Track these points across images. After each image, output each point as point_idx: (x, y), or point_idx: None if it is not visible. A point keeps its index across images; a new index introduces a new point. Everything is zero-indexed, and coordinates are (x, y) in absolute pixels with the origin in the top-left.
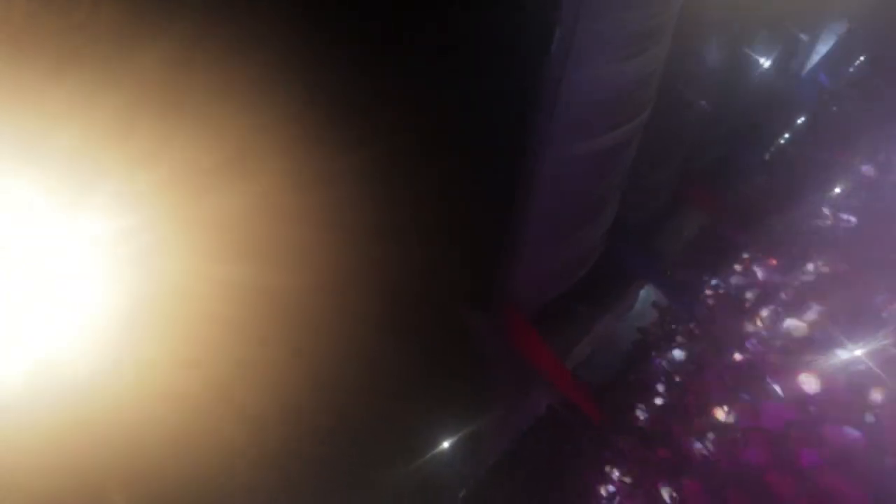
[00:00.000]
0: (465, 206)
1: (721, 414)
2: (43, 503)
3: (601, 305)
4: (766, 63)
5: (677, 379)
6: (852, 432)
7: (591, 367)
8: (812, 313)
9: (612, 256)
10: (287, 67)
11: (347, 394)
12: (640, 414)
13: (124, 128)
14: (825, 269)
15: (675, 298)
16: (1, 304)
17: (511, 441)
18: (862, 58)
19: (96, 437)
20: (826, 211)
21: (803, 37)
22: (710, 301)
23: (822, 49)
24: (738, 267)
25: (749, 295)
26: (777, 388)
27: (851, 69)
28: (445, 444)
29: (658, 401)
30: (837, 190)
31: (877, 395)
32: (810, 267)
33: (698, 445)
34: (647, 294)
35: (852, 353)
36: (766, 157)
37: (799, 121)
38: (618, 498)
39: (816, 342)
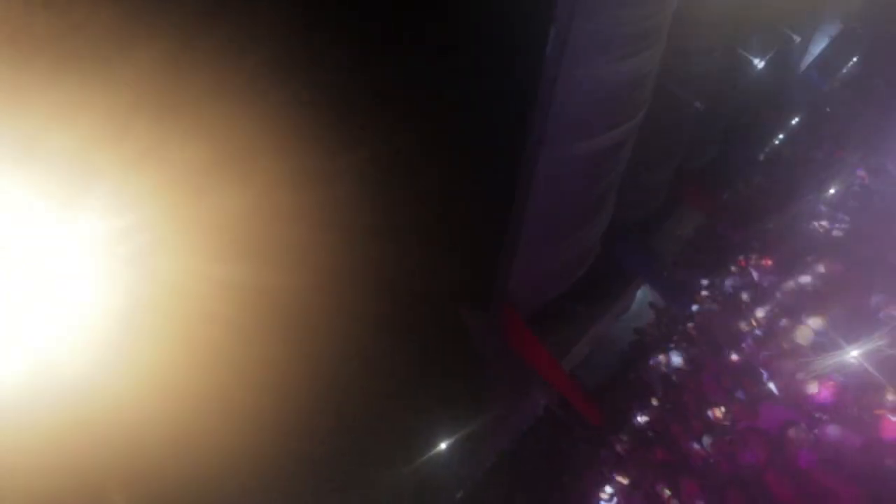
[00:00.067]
0: (462, 205)
1: (719, 414)
2: (43, 503)
3: (599, 305)
4: (760, 63)
5: (675, 380)
6: (850, 434)
7: (590, 367)
8: (809, 314)
9: (609, 256)
10: (285, 67)
11: (346, 394)
12: (639, 415)
13: (122, 128)
14: (822, 270)
15: (673, 299)
16: (1, 304)
17: (509, 441)
18: (855, 58)
19: (96, 437)
20: (822, 211)
21: (797, 37)
22: (707, 302)
23: (816, 49)
24: (734, 268)
25: (745, 296)
26: (773, 388)
27: (845, 69)
28: (443, 445)
29: (656, 401)
30: (833, 190)
31: (875, 397)
32: (807, 268)
33: (696, 446)
34: (643, 295)
35: (849, 355)
36: (762, 157)
37: (794, 121)
38: (616, 499)
39: (814, 343)
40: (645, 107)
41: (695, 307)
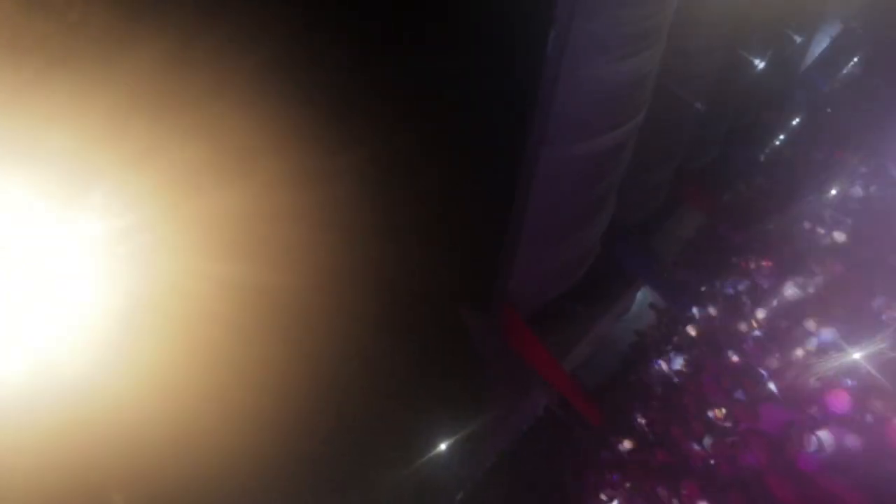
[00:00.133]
0: (462, 205)
1: (720, 416)
2: (43, 503)
3: (599, 306)
4: (761, 64)
5: (675, 381)
6: (851, 436)
7: (590, 367)
8: (810, 316)
9: (610, 257)
10: (285, 67)
11: (346, 394)
12: (639, 416)
13: (122, 127)
14: (823, 272)
15: (673, 299)
16: (1, 304)
17: (509, 441)
18: (856, 59)
19: (96, 437)
20: (823, 212)
21: (798, 38)
22: (708, 303)
23: (816, 50)
24: (734, 269)
25: (746, 297)
26: (773, 389)
27: (846, 70)
28: (443, 445)
29: (656, 403)
30: (833, 192)
31: (876, 399)
32: (808, 269)
33: (697, 447)
34: (644, 296)
35: (851, 357)
36: (762, 157)
37: (794, 121)
38: (616, 500)
39: (816, 346)
40: (645, 107)
41: (696, 312)
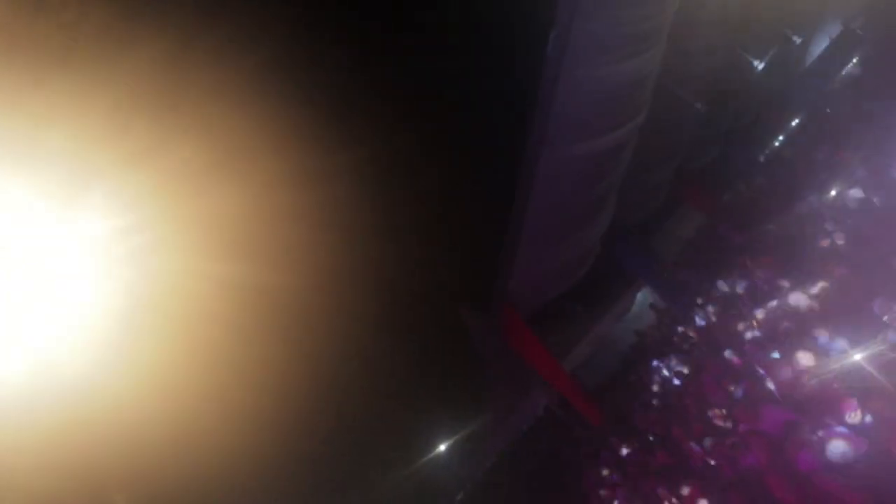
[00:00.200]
0: (462, 205)
1: (720, 417)
2: (43, 503)
3: (600, 306)
4: (761, 64)
5: (676, 382)
6: (853, 436)
7: (591, 368)
8: (810, 317)
9: (610, 257)
10: (285, 67)
11: (346, 394)
12: (639, 416)
13: (122, 127)
14: (824, 272)
15: (673, 300)
16: (1, 304)
17: (509, 442)
18: (856, 59)
19: (96, 437)
20: (824, 212)
21: (797, 38)
22: (708, 303)
23: (816, 50)
24: (735, 269)
25: (746, 297)
26: (773, 389)
27: (846, 70)
28: (443, 445)
29: (657, 403)
30: (834, 192)
31: (876, 400)
32: (808, 269)
33: (697, 448)
34: (644, 296)
35: (851, 357)
36: (762, 158)
37: (794, 122)
38: (616, 501)
39: (817, 346)
40: (646, 108)
41: (696, 312)
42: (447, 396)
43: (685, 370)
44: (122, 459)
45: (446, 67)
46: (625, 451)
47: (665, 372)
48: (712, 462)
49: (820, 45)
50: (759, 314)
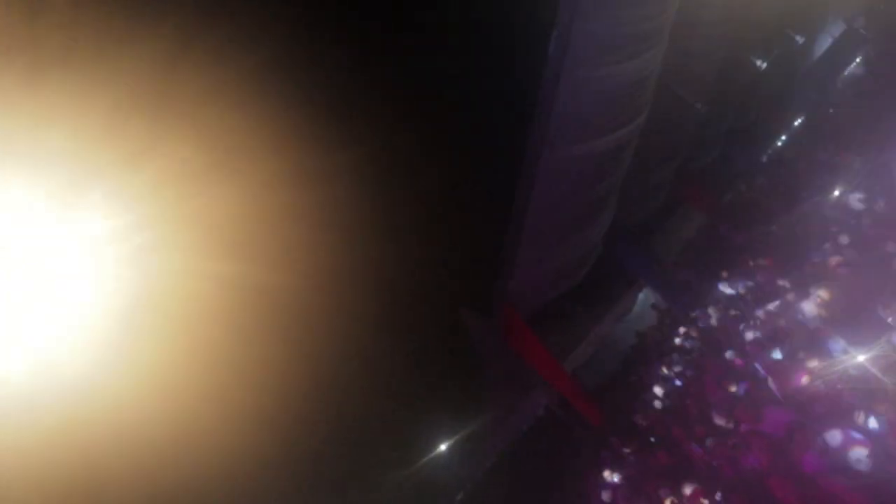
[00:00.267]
0: (462, 205)
1: (721, 418)
2: (43, 503)
3: (600, 306)
4: (763, 65)
5: (677, 382)
6: (855, 437)
7: (591, 368)
8: (813, 314)
9: (611, 257)
10: (285, 67)
11: (346, 394)
12: (640, 417)
13: (122, 127)
14: (825, 273)
15: (674, 300)
16: (1, 304)
17: (509, 441)
18: (858, 59)
19: (96, 437)
20: (826, 213)
21: (800, 38)
22: (709, 304)
23: (818, 50)
24: (736, 269)
25: (748, 298)
26: (774, 390)
27: (848, 71)
28: (443, 445)
29: (658, 404)
30: (836, 192)
31: (879, 401)
32: (810, 270)
33: (698, 449)
34: (645, 296)
35: (854, 358)
36: (764, 158)
37: (796, 122)
38: (617, 501)
39: (818, 345)
40: (647, 108)
41: (697, 313)
42: (447, 396)
43: (686, 371)
44: (122, 459)
45: (446, 67)
46: (625, 452)
47: (666, 372)
48: (713, 463)
49: (822, 45)
50: (761, 314)
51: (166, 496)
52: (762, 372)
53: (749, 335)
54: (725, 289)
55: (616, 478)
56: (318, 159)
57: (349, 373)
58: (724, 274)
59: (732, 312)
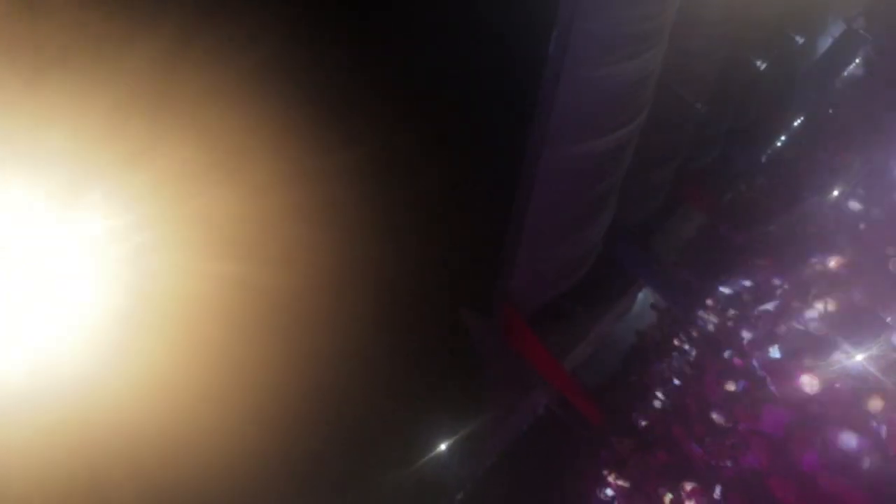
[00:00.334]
0: (462, 205)
1: (721, 417)
2: (43, 503)
3: (600, 306)
4: (762, 64)
5: (676, 382)
6: (855, 436)
7: (591, 367)
8: (813, 314)
9: (610, 257)
10: (285, 67)
11: (346, 393)
12: (640, 416)
13: (122, 127)
14: (825, 272)
15: (674, 300)
16: (1, 304)
17: (509, 442)
18: (858, 59)
19: (96, 437)
20: (826, 212)
21: (800, 38)
22: (709, 303)
23: (818, 50)
24: (736, 269)
25: (748, 297)
26: (774, 390)
27: (848, 71)
28: (443, 445)
29: (657, 403)
30: (836, 192)
31: (878, 400)
32: (810, 270)
33: (698, 448)
34: (645, 296)
35: (854, 357)
36: (764, 158)
37: (796, 122)
38: (616, 501)
39: (818, 345)
40: (647, 107)
41: (697, 312)
42: (447, 396)
43: (686, 370)
44: (123, 459)
45: (446, 67)
46: (625, 451)
47: (665, 372)
48: (713, 462)
49: (823, 45)
50: (761, 314)
51: (166, 496)
52: (761, 371)
53: (748, 335)
54: (725, 289)
55: (616, 477)
56: (318, 159)
57: (349, 373)
58: (724, 274)
59: (732, 312)
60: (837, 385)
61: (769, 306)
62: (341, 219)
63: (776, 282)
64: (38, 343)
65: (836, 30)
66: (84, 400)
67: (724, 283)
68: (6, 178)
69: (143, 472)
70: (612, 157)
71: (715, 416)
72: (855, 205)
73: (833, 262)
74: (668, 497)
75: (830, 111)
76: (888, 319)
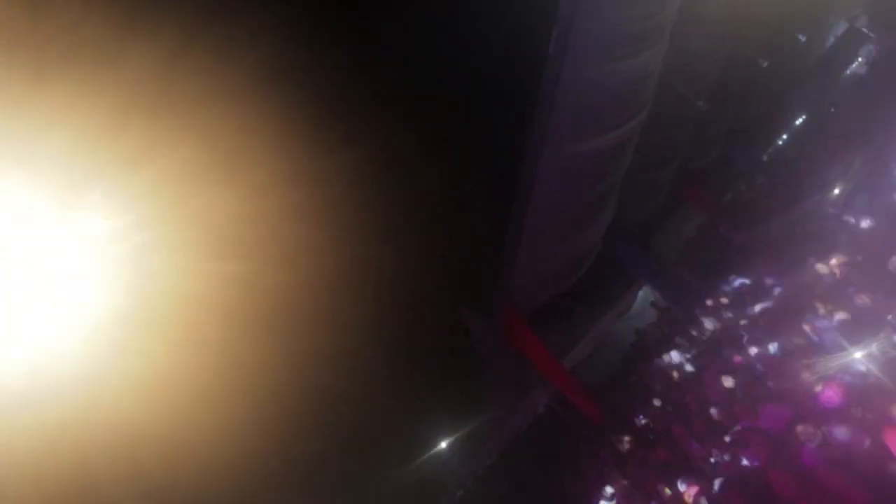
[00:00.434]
0: (463, 206)
1: (720, 414)
2: (42, 503)
3: (600, 305)
4: (764, 63)
5: (676, 380)
6: (855, 433)
7: (591, 366)
8: (813, 313)
9: (610, 256)
10: (285, 67)
11: (346, 393)
12: (640, 415)
13: (122, 127)
14: (825, 271)
15: (674, 299)
16: (1, 304)
17: (509, 441)
18: (860, 58)
19: (96, 437)
20: (826, 212)
21: (802, 37)
22: (709, 302)
23: (820, 49)
24: (736, 269)
25: (748, 297)
26: (772, 386)
27: (850, 70)
28: (443, 445)
29: (658, 402)
30: (837, 191)
31: (877, 397)
32: (810, 269)
33: (698, 446)
34: (645, 295)
35: (854, 356)
36: (764, 158)
37: (798, 121)
38: (617, 499)
39: (817, 343)
40: (647, 106)
41: (697, 312)
42: (447, 396)
43: (686, 368)
44: (122, 459)
45: (446, 67)
46: (625, 450)
47: (666, 370)
48: (712, 459)
49: (825, 44)
50: (760, 313)
51: (166, 496)
52: (760, 368)
53: (747, 333)
54: (725, 288)
55: (616, 476)
56: (318, 159)
57: (349, 373)
58: (724, 273)
59: (731, 312)
60: (837, 383)
61: (769, 305)
62: (341, 219)
63: (776, 281)
64: (38, 343)
65: (838, 28)
66: (84, 400)
67: (724, 283)
68: (6, 178)
69: (143, 472)
70: (613, 157)
71: (714, 413)
72: (855, 203)
73: (833, 262)
74: (668, 494)
75: (832, 110)
76: (888, 317)
